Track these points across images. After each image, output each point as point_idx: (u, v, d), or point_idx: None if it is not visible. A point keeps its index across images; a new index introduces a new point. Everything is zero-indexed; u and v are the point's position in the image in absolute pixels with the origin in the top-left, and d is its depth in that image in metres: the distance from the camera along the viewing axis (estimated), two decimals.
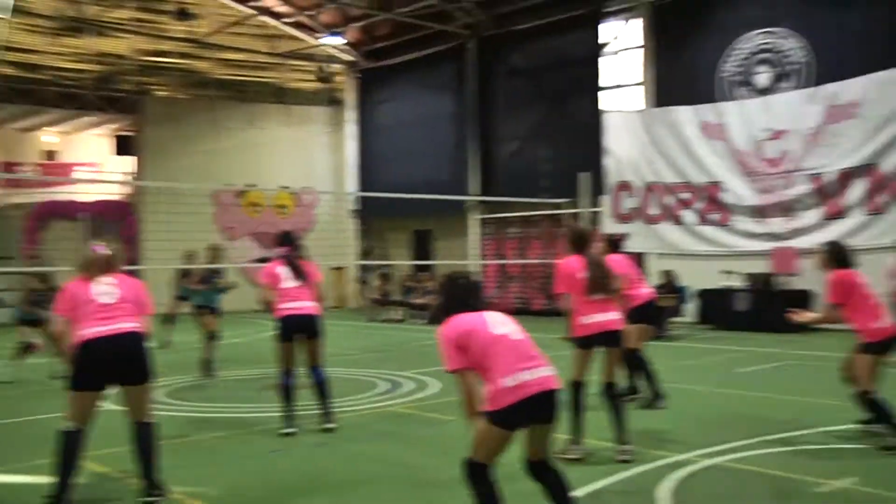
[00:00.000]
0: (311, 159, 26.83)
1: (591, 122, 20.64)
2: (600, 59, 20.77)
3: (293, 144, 26.46)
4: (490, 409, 4.24)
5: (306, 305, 7.78)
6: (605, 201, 20.05)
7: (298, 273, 7.89)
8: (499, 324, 4.40)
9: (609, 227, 19.52)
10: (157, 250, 20.58)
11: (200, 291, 11.95)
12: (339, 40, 25.68)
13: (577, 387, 6.67)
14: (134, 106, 24.65)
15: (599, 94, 20.73)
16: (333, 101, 27.61)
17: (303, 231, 25.92)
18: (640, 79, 20.27)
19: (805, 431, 7.49)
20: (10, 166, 23.48)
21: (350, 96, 27.46)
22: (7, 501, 5.81)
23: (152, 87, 25.49)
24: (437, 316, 4.80)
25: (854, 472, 6.05)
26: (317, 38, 25.72)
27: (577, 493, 5.57)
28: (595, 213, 19.37)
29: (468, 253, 22.96)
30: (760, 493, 5.70)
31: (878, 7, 16.57)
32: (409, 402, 9.32)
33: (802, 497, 5.53)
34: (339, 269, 26.33)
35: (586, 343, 6.73)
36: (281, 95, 26.85)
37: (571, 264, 6.80)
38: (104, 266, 5.70)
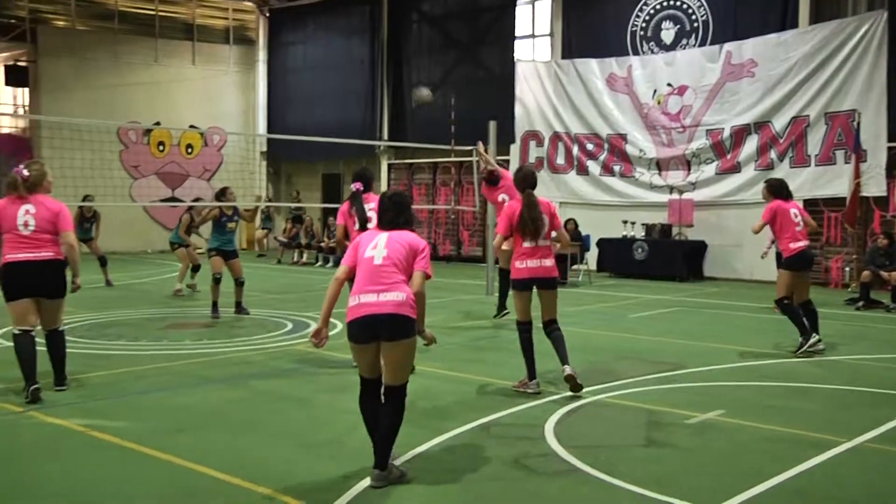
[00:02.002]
0: (220, 99, 26.26)
1: (502, 71, 20.92)
2: (516, 9, 20.92)
3: (201, 83, 25.82)
4: (347, 319, 4.80)
5: None
6: (514, 150, 20.42)
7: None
8: (375, 246, 4.82)
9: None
10: (54, 187, 20.04)
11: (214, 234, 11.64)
12: None
13: (520, 326, 7.05)
14: (27, 35, 23.57)
15: (513, 43, 20.94)
16: (244, 39, 27.02)
17: (209, 171, 25.61)
18: (549, 30, 20.55)
19: (684, 371, 8.03)
20: None
21: (261, 36, 26.91)
22: None
23: (48, 15, 24.41)
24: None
25: (721, 406, 6.57)
26: None
27: (470, 424, 5.94)
28: (503, 161, 19.71)
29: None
30: (636, 424, 6.15)
31: None
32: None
33: (674, 427, 6.00)
34: (247, 210, 26.04)
35: (519, 285, 7.01)
36: (189, 31, 26.09)
37: (515, 206, 7.03)
38: (26, 188, 6.73)
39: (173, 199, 23.75)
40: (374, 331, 4.69)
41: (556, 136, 19.99)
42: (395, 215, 4.97)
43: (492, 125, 14.73)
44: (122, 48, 24.79)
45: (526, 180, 7.05)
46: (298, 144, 21.66)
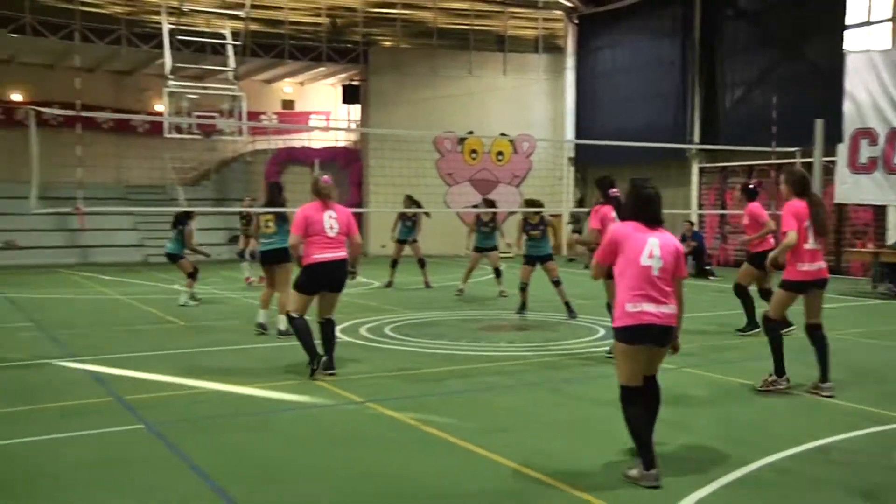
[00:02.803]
0: (529, 107, 26.96)
1: (830, 65, 19.31)
2: None
3: (511, 92, 26.69)
4: (614, 325, 4.91)
5: None
6: (841, 150, 18.73)
7: None
8: (651, 254, 4.78)
9: (843, 177, 18.31)
10: (380, 194, 21.72)
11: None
12: None
13: (775, 324, 7.09)
14: (361, 56, 25.84)
15: (843, 33, 19.32)
16: (552, 47, 27.51)
17: (518, 178, 26.34)
18: (890, 14, 18.63)
19: None
20: (254, 115, 25.44)
21: (569, 43, 27.22)
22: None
23: (378, 37, 26.56)
24: (623, 215, 5.18)
25: None
26: None
27: (804, 445, 5.49)
28: (829, 162, 18.17)
29: (688, 202, 22.33)
30: None
31: None
32: None
33: None
34: (554, 216, 26.49)
35: (799, 287, 6.94)
36: (500, 43, 27.09)
37: (799, 206, 6.92)
38: (329, 194, 7.63)
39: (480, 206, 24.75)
40: (649, 337, 4.82)
41: (893, 134, 18.03)
42: (658, 208, 4.92)
43: (818, 124, 13.68)
44: (440, 62, 26.34)
45: (806, 183, 7.06)
46: (606, 149, 21.58)
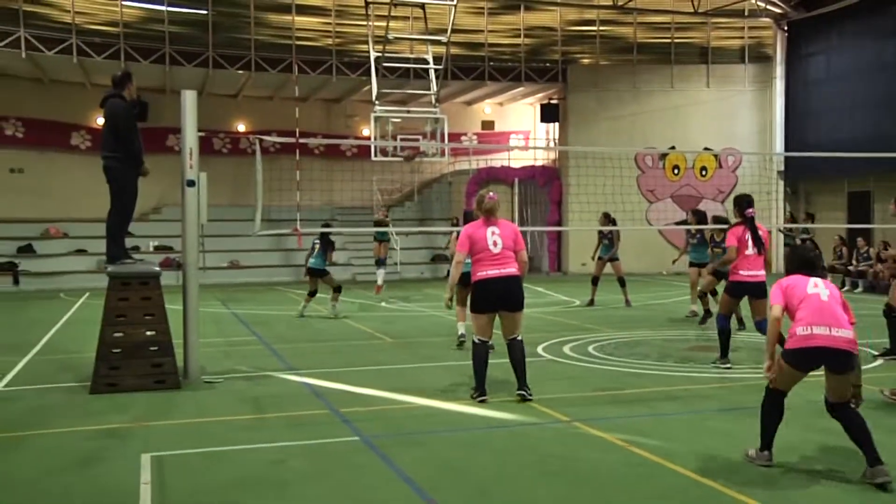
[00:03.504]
0: (734, 119, 25.88)
1: None
2: None
3: (714, 105, 25.77)
4: (785, 347, 5.30)
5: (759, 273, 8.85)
6: None
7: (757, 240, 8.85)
8: (816, 285, 5.38)
9: None
10: (580, 212, 21.55)
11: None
12: None
13: None
14: (559, 75, 25.86)
15: None
16: (759, 57, 26.29)
17: (723, 193, 25.34)
18: None
19: None
20: (455, 137, 26.07)
21: (778, 51, 25.91)
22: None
23: (577, 55, 26.48)
24: (788, 271, 5.76)
25: None
26: None
27: None
28: None
29: None
30: None
31: None
32: None
33: None
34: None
35: None
36: (703, 55, 26.24)
37: None
38: (492, 210, 7.61)
39: (685, 221, 23.97)
40: (819, 362, 5.20)
41: None
42: (820, 267, 5.69)
43: None
44: (640, 77, 25.90)
45: None
46: (821, 161, 20.32)
